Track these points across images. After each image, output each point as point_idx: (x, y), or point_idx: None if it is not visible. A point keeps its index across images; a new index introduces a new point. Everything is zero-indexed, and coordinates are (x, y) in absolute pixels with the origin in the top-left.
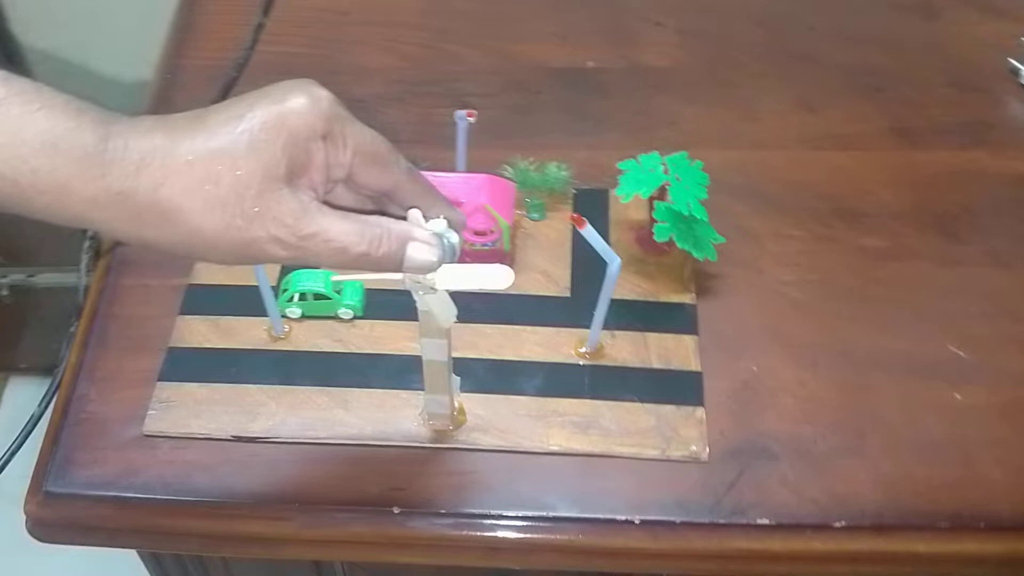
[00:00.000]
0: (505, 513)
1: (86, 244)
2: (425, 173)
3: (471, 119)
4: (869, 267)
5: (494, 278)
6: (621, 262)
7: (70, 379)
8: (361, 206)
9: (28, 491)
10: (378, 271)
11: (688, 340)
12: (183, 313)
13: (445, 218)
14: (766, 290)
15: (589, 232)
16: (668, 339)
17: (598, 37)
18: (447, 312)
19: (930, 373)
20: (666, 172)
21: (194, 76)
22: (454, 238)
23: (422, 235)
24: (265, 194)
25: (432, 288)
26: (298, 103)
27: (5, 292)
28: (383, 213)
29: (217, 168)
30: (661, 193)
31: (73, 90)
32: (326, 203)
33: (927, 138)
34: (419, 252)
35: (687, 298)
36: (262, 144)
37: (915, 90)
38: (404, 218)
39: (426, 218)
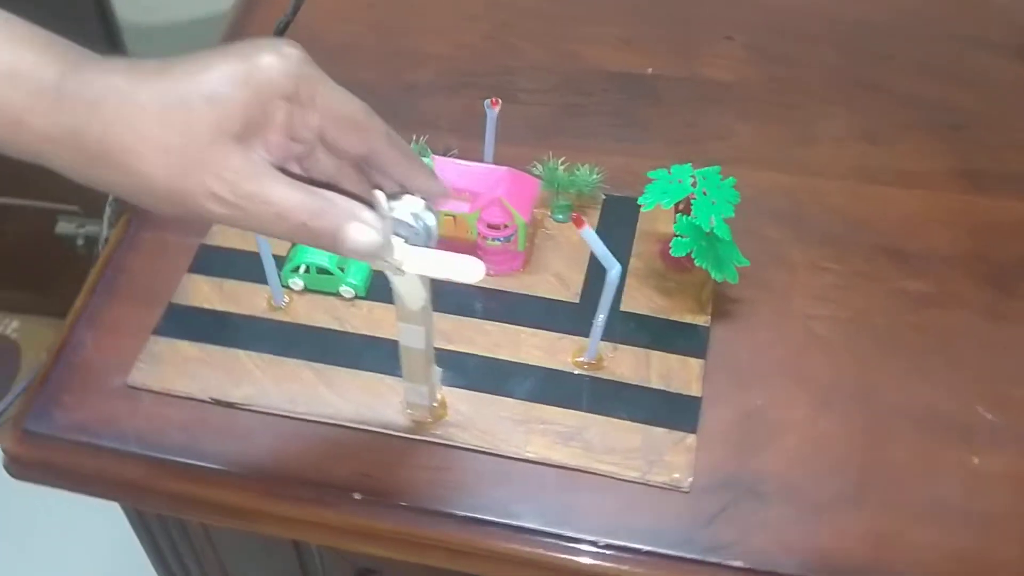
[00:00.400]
0: (469, 515)
1: (111, 197)
2: (449, 160)
3: (495, 108)
4: (907, 311)
5: (463, 270)
6: (621, 269)
7: (71, 324)
8: (342, 173)
9: (9, 428)
10: (316, 246)
11: (694, 363)
12: (191, 271)
13: (423, 190)
14: (790, 322)
15: (588, 234)
16: (673, 359)
17: (663, 45)
18: (415, 296)
19: (951, 431)
20: (695, 185)
21: None
22: (431, 220)
23: (368, 217)
24: (213, 147)
25: (399, 270)
26: (266, 60)
27: (81, 242)
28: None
29: (171, 115)
30: (688, 207)
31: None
32: (287, 171)
33: (997, 184)
34: (359, 232)
35: (701, 319)
36: (221, 97)
37: (994, 133)
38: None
39: (405, 189)
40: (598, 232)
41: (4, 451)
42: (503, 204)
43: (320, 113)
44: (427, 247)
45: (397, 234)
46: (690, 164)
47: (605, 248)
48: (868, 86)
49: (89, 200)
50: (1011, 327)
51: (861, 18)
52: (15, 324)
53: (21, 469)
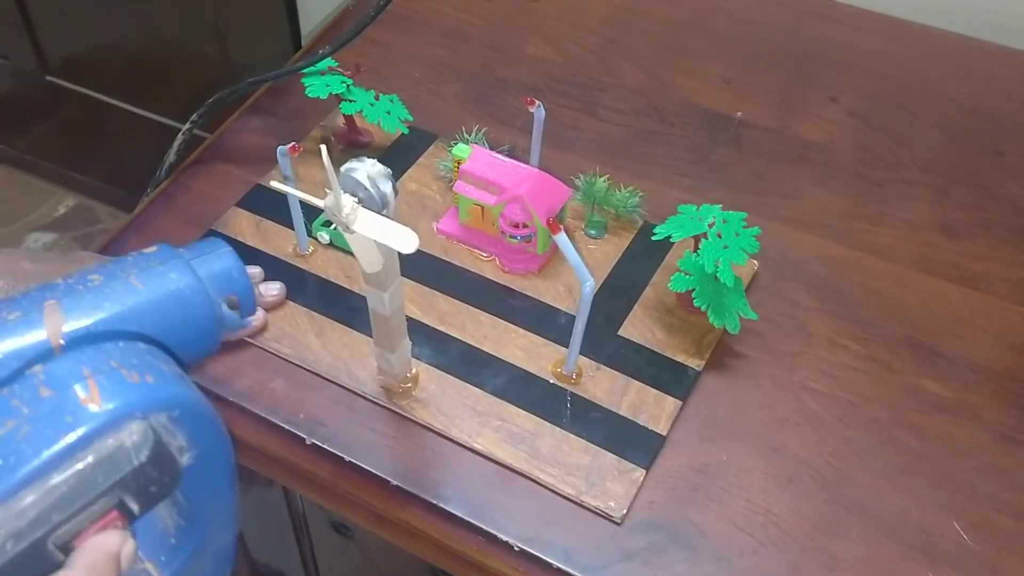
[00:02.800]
0: (400, 486)
1: (186, 126)
2: (486, 151)
3: (531, 108)
4: (915, 410)
5: (399, 239)
6: (594, 283)
7: (123, 227)
8: None
9: None
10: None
11: (670, 402)
12: (238, 205)
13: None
14: (786, 390)
15: (563, 241)
16: (651, 393)
17: (763, 92)
18: (369, 258)
19: (915, 541)
20: (712, 226)
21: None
22: (386, 188)
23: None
24: None
25: (348, 228)
26: None
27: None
28: None
29: None
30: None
31: None
32: None
33: None
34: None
35: (694, 363)
36: None
37: None
38: None
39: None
40: (627, 255)
41: None
42: (524, 203)
43: None
44: (381, 213)
45: (353, 194)
46: (719, 205)
47: (579, 259)
48: (962, 177)
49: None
50: (1022, 453)
51: (981, 108)
52: (70, 202)
53: None
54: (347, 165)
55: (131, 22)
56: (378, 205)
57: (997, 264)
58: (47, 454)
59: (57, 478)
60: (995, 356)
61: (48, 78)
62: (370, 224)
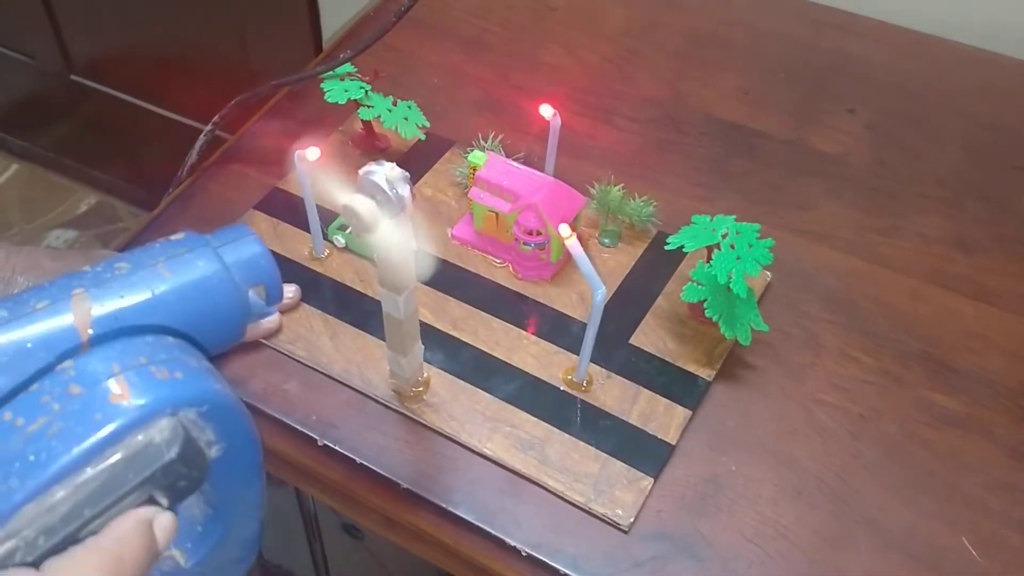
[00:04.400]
0: (411, 490)
1: (207, 127)
2: (502, 158)
3: (550, 114)
4: (926, 424)
5: (407, 242)
6: (605, 291)
7: (142, 228)
8: None
9: None
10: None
11: (680, 412)
12: (256, 208)
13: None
14: (795, 401)
15: (574, 248)
16: (661, 403)
17: (780, 104)
18: (387, 262)
19: (923, 556)
20: (725, 237)
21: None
22: (404, 191)
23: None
24: None
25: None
26: None
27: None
28: None
29: None
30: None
31: None
32: None
33: None
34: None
35: (705, 373)
36: None
37: None
38: None
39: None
40: (639, 264)
41: None
42: (539, 211)
43: None
44: (399, 216)
45: (372, 198)
46: (733, 216)
47: (592, 268)
48: (980, 192)
49: None
50: None
51: (999, 123)
52: (91, 200)
53: None
54: (366, 168)
55: (155, 23)
56: (396, 208)
57: (1012, 279)
58: (77, 451)
59: (87, 474)
60: (1008, 371)
61: (72, 77)
62: (385, 225)
